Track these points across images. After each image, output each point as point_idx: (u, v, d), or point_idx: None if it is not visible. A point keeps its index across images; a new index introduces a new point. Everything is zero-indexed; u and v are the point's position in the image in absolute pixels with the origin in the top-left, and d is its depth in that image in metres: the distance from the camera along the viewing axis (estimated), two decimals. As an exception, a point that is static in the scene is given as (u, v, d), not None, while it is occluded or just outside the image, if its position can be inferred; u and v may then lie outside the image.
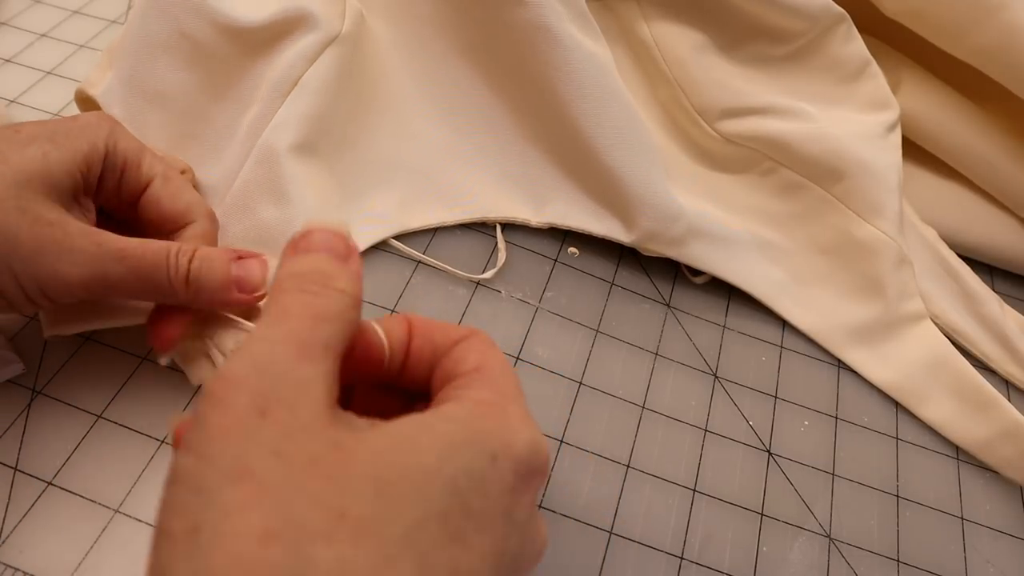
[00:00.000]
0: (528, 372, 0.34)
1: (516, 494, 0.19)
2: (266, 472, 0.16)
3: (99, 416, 0.29)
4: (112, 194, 0.28)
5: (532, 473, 0.19)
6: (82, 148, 0.26)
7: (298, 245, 0.21)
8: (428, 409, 0.19)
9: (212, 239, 0.30)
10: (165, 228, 0.29)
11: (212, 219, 0.30)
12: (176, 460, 0.17)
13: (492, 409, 0.19)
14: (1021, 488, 0.35)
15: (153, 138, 0.34)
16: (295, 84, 0.33)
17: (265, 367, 0.17)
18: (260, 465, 0.16)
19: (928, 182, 0.44)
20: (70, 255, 0.24)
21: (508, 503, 0.18)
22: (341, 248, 0.21)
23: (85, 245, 0.24)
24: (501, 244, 0.37)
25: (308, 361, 0.18)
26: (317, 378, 0.18)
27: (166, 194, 0.28)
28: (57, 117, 0.28)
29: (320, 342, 0.18)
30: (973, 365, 0.37)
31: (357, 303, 0.20)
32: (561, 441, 0.32)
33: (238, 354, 0.18)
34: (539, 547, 0.21)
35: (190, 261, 0.26)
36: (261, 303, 0.28)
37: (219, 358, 0.29)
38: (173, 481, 0.16)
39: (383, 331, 0.22)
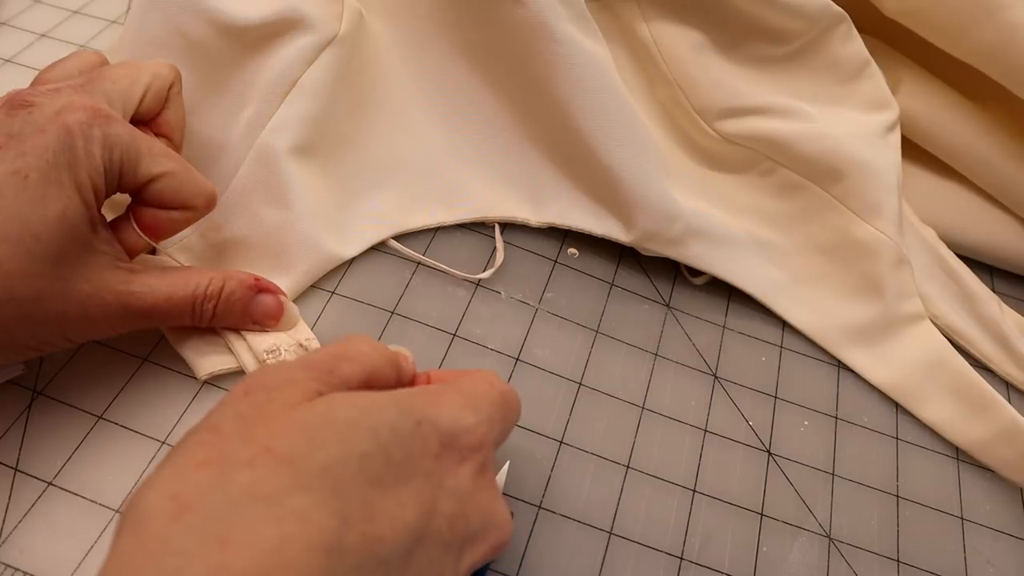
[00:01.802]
0: (528, 373, 0.34)
1: (442, 460, 0.21)
2: (225, 426, 0.20)
3: (99, 416, 0.29)
4: (110, 193, 0.28)
5: (462, 448, 0.22)
6: (86, 182, 0.25)
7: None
8: None
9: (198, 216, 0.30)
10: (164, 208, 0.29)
11: (210, 204, 0.30)
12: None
13: (427, 392, 0.23)
14: (1021, 488, 0.35)
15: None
16: (293, 85, 0.33)
17: (270, 369, 0.22)
18: (224, 423, 0.20)
19: (928, 182, 0.44)
20: (106, 320, 0.27)
21: (433, 466, 0.21)
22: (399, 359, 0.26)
23: (117, 310, 0.27)
24: (499, 244, 0.38)
25: (305, 370, 0.22)
26: (307, 379, 0.21)
27: (168, 191, 0.28)
28: (43, 127, 0.24)
29: (327, 367, 0.22)
30: (972, 366, 0.37)
31: (390, 364, 0.24)
32: (561, 441, 0.32)
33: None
34: (498, 527, 0.23)
35: (215, 307, 0.29)
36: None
37: (244, 355, 0.30)
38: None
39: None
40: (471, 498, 0.22)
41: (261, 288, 0.30)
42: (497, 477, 0.29)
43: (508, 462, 0.31)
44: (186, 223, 0.29)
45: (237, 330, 0.31)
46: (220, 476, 0.18)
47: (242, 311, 0.30)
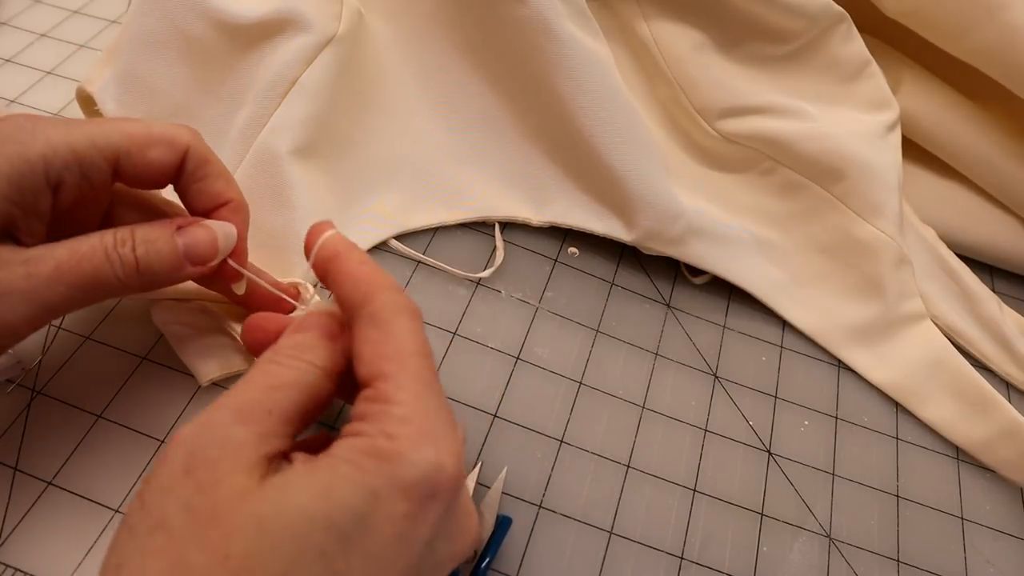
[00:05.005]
0: (528, 372, 0.34)
1: (413, 519, 0.20)
2: (176, 523, 0.18)
3: (99, 416, 0.29)
4: (88, 204, 0.25)
5: (433, 494, 0.20)
6: (4, 171, 0.22)
7: (297, 326, 0.24)
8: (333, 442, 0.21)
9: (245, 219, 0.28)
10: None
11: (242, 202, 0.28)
12: (130, 504, 0.20)
13: (377, 443, 0.20)
14: (1021, 488, 0.35)
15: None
16: (291, 85, 0.33)
17: (203, 430, 0.20)
18: (174, 517, 0.19)
19: (928, 182, 0.44)
20: (4, 299, 0.22)
21: (404, 528, 0.19)
22: (333, 328, 0.24)
23: (14, 284, 0.22)
24: (499, 243, 0.37)
25: (243, 424, 0.20)
26: (248, 439, 0.20)
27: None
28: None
29: (264, 408, 0.21)
30: (972, 366, 0.37)
31: (330, 375, 0.23)
32: (561, 441, 0.32)
33: (194, 418, 0.21)
34: (467, 539, 0.22)
35: (134, 251, 0.24)
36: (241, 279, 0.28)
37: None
38: (123, 520, 0.19)
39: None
40: (447, 536, 0.21)
41: (180, 224, 0.26)
42: (492, 488, 0.29)
43: (505, 468, 0.31)
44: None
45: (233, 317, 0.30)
46: None
47: (171, 251, 0.25)
